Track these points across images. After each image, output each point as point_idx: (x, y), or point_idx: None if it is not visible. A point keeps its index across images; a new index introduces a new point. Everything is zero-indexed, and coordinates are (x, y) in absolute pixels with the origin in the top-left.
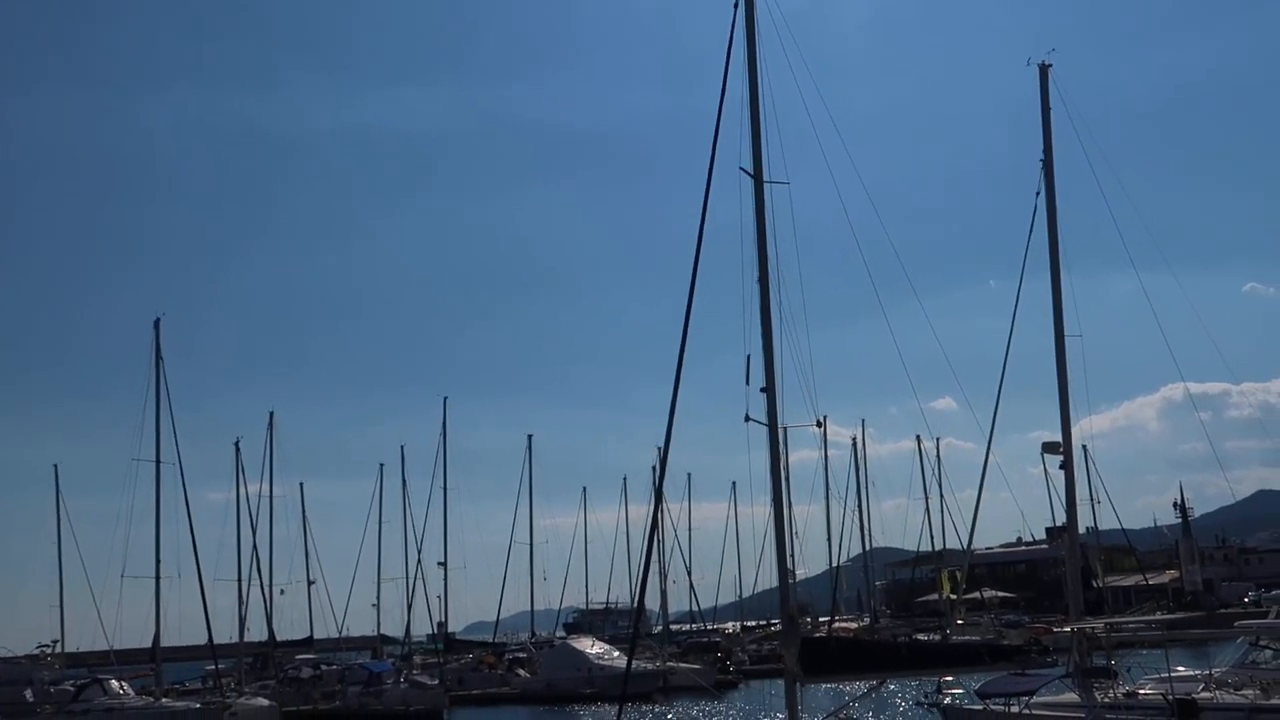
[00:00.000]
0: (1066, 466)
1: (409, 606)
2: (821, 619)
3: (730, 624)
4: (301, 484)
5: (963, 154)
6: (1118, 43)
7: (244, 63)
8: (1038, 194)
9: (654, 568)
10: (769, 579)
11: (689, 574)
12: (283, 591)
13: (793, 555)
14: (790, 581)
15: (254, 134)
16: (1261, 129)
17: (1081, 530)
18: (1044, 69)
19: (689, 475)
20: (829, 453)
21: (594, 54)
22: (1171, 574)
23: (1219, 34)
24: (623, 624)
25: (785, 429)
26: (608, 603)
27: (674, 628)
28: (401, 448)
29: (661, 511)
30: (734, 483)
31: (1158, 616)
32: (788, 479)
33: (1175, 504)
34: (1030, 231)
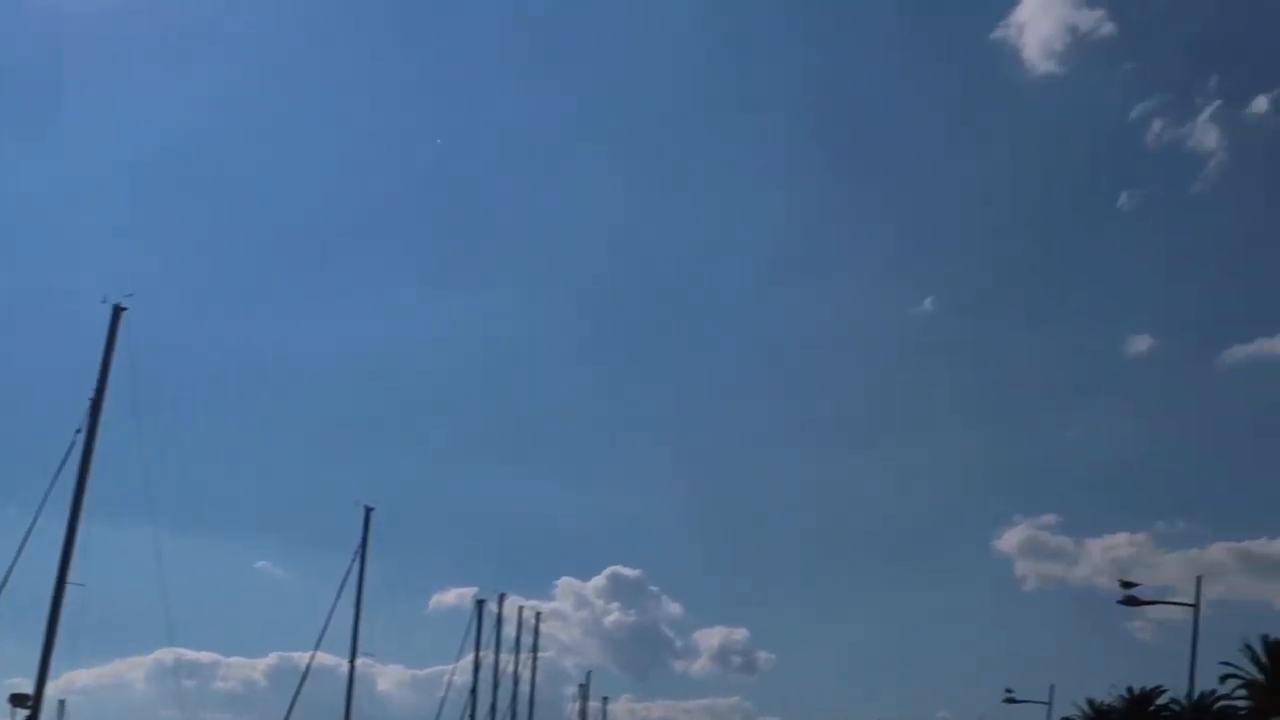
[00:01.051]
0: None
1: None
2: None
3: None
4: None
5: (25, 371)
6: (206, 300)
7: None
8: (78, 431)
9: None
10: None
11: None
12: None
13: None
14: None
15: None
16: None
17: None
18: (118, 310)
19: None
20: None
21: None
22: None
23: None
24: None
25: None
26: None
27: None
28: None
29: None
30: None
31: None
32: None
33: None
34: (60, 467)
